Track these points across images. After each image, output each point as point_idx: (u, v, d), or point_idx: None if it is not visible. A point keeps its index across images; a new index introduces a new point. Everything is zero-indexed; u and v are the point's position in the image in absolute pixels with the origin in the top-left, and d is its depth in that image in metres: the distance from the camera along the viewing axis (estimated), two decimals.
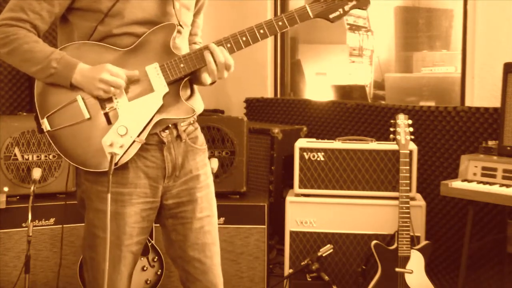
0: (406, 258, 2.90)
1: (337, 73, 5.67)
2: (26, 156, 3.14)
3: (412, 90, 4.87)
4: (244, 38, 1.79)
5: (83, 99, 1.76)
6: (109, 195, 1.70)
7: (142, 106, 1.76)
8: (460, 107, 3.46)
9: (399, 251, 2.89)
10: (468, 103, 3.52)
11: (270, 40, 4.57)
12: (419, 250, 2.92)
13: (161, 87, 1.77)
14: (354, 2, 1.82)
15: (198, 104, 1.96)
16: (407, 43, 5.97)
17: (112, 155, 1.72)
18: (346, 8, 1.82)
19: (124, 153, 1.74)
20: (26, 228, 2.88)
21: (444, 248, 3.51)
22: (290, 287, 3.22)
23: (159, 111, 1.77)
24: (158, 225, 1.99)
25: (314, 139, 3.49)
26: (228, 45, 1.79)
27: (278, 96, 4.66)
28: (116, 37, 1.78)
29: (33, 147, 3.15)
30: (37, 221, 3.08)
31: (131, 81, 1.76)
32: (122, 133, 1.74)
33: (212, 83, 1.89)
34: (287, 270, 3.25)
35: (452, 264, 3.46)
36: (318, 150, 3.26)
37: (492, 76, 3.36)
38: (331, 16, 1.82)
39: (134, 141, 1.75)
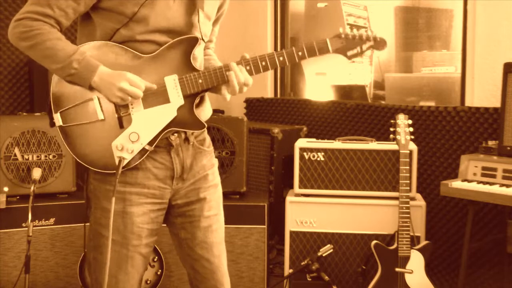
0: (406, 258, 2.90)
1: (337, 73, 5.66)
2: (26, 156, 3.14)
3: (412, 90, 4.87)
4: (263, 63, 1.82)
5: (99, 99, 1.77)
6: (113, 199, 1.71)
7: (156, 116, 1.78)
8: (460, 107, 3.46)
9: (399, 251, 2.90)
10: (468, 103, 3.52)
11: (270, 41, 4.57)
12: (419, 250, 2.92)
13: (177, 99, 1.79)
14: (371, 43, 1.88)
15: (207, 110, 1.98)
16: (407, 43, 5.97)
17: (121, 160, 1.74)
18: (364, 47, 1.88)
19: (133, 158, 1.77)
20: (26, 228, 2.88)
21: (444, 248, 3.51)
22: (290, 287, 3.22)
23: (171, 122, 1.79)
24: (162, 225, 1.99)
25: (314, 139, 3.49)
26: (248, 67, 1.81)
27: (278, 96, 4.66)
28: (138, 43, 1.78)
29: (33, 147, 3.15)
30: (37, 221, 3.08)
31: (148, 92, 1.77)
32: (133, 140, 1.76)
33: None
34: (287, 270, 3.25)
35: (452, 264, 3.46)
36: (318, 150, 3.26)
37: (492, 76, 3.36)
38: (348, 53, 1.88)
39: (143, 148, 1.77)
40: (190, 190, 1.92)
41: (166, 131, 1.80)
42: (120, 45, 1.78)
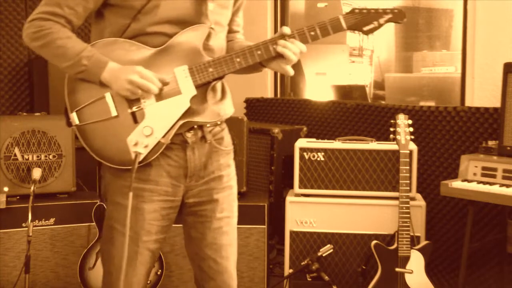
0: (406, 258, 2.90)
1: (337, 73, 5.67)
2: (26, 156, 3.14)
3: (412, 90, 4.88)
4: (259, 52, 1.79)
5: (112, 96, 1.77)
6: (131, 194, 1.70)
7: (169, 108, 1.77)
8: (460, 107, 3.46)
9: (399, 251, 2.89)
10: (468, 103, 3.52)
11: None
12: (419, 250, 2.92)
13: (189, 89, 1.78)
14: (390, 16, 1.79)
15: (228, 107, 1.96)
16: (407, 43, 5.98)
17: (136, 155, 1.74)
18: (382, 21, 1.80)
19: (149, 152, 1.76)
20: (26, 228, 2.88)
21: (444, 248, 3.51)
22: (290, 287, 3.22)
23: (185, 113, 1.78)
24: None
25: (314, 139, 3.49)
26: (259, 52, 1.79)
27: (278, 96, 4.66)
28: (148, 36, 1.78)
29: (33, 147, 3.15)
30: (37, 221, 3.08)
31: (162, 84, 1.77)
32: (147, 134, 1.75)
33: None
34: (287, 270, 3.25)
35: (452, 264, 3.46)
36: (318, 150, 3.26)
37: (492, 76, 3.36)
38: (365, 28, 1.80)
39: (159, 142, 1.76)
40: (203, 189, 1.91)
41: (181, 123, 1.78)
42: (130, 41, 1.78)
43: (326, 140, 3.40)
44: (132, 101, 1.77)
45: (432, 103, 4.43)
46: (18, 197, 3.10)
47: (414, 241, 2.97)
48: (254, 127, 3.87)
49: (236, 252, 2.01)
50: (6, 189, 3.07)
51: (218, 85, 1.92)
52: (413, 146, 3.16)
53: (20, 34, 3.89)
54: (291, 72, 1.85)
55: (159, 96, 1.77)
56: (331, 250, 3.13)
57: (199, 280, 2.00)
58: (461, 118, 3.42)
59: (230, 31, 2.02)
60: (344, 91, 5.10)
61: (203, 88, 1.80)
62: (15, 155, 3.12)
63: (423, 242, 3.00)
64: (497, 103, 3.19)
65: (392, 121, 3.01)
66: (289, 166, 3.50)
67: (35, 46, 1.79)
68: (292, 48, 1.78)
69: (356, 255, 3.20)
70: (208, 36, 1.83)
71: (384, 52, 6.35)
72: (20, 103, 3.96)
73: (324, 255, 3.13)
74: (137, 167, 1.73)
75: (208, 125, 1.87)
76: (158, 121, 1.76)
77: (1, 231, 3.02)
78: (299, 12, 5.66)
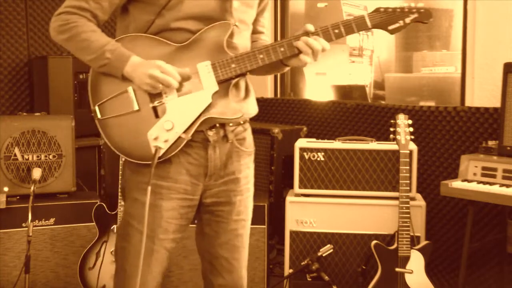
0: (406, 258, 2.90)
1: (337, 73, 5.67)
2: (26, 156, 3.14)
3: (412, 90, 4.88)
4: (293, 45, 1.78)
5: (134, 90, 1.78)
6: (149, 188, 1.70)
7: (190, 103, 1.78)
8: (460, 107, 3.46)
9: (399, 251, 2.90)
10: (468, 103, 3.52)
11: (270, 41, 4.57)
12: (419, 250, 2.92)
13: (211, 85, 1.78)
14: (415, 15, 1.78)
15: (251, 106, 1.96)
16: (407, 43, 5.97)
17: (156, 149, 1.73)
18: (407, 20, 1.78)
19: (169, 148, 1.76)
20: (26, 228, 2.88)
21: (444, 248, 3.51)
22: (290, 287, 3.22)
23: (207, 109, 1.78)
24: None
25: (314, 139, 3.49)
26: (282, 49, 1.79)
27: (278, 96, 4.66)
28: (171, 32, 1.79)
29: (33, 147, 3.15)
30: (37, 221, 3.08)
31: (182, 79, 1.77)
32: (168, 128, 1.75)
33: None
34: (287, 270, 3.25)
35: (452, 264, 3.46)
36: (318, 150, 3.26)
37: (492, 76, 3.36)
38: (390, 27, 1.78)
39: (179, 137, 1.76)
40: (222, 190, 1.91)
41: (202, 118, 1.78)
42: (153, 37, 1.79)
43: (326, 140, 3.40)
44: (154, 95, 1.77)
45: (432, 103, 4.43)
46: (18, 197, 3.10)
47: (414, 241, 2.97)
48: (254, 127, 3.83)
49: (247, 254, 2.01)
50: (6, 189, 3.07)
51: (242, 83, 1.92)
52: (413, 146, 3.16)
53: (20, 34, 3.94)
54: (308, 60, 1.82)
55: (181, 91, 1.78)
56: (331, 250, 3.13)
57: (207, 274, 2.01)
58: (461, 118, 3.42)
59: (255, 32, 2.03)
60: (344, 91, 5.10)
61: (225, 85, 1.80)
62: (15, 155, 3.12)
63: (423, 242, 3.00)
64: (497, 103, 3.19)
65: (392, 121, 3.01)
66: (289, 166, 3.50)
67: (61, 39, 1.80)
68: (315, 45, 1.77)
69: (356, 255, 3.20)
70: (232, 33, 1.83)
71: (384, 52, 6.34)
72: (20, 103, 3.96)
73: (324, 255, 3.13)
74: (156, 163, 1.73)
75: (230, 124, 1.87)
76: (179, 116, 1.76)
77: (1, 231, 3.02)
78: (299, 12, 5.66)
